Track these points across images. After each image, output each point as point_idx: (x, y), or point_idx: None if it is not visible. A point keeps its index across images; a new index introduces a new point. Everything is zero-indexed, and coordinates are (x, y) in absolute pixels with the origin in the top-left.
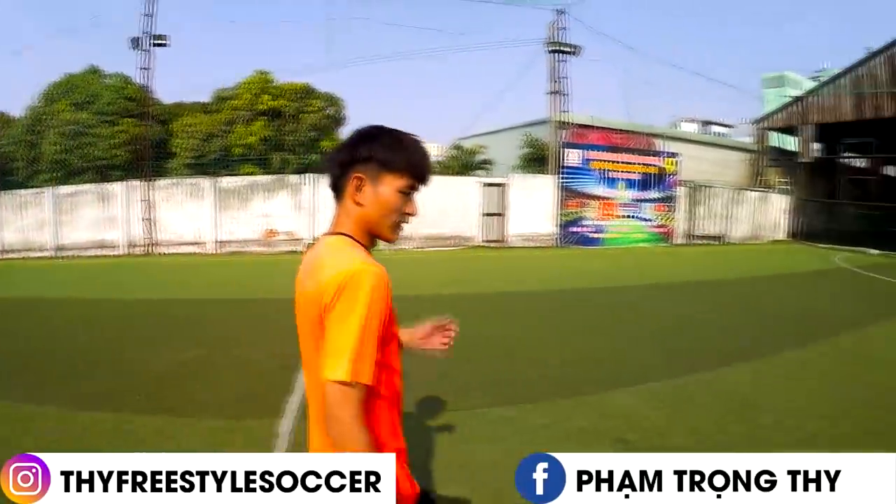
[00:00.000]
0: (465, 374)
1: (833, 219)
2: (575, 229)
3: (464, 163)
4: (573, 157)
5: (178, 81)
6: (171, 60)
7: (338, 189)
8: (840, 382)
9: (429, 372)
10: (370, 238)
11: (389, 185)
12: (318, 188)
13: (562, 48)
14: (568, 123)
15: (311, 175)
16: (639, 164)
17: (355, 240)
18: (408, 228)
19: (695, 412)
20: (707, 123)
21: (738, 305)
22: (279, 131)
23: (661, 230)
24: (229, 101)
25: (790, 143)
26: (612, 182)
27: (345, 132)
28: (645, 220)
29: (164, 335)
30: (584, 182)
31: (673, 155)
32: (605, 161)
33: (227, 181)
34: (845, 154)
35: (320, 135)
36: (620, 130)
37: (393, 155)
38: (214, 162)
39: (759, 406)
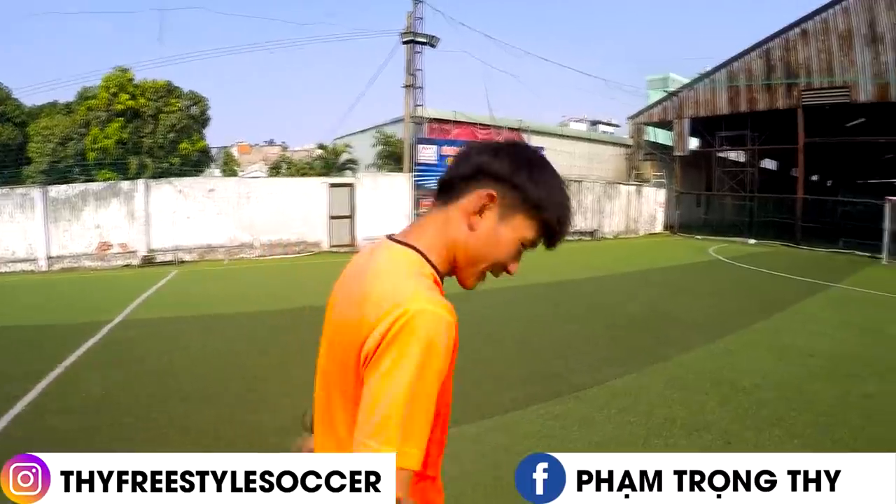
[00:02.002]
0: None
1: (710, 210)
2: None
3: (328, 163)
4: (428, 153)
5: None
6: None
7: (450, 190)
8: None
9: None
10: (449, 268)
11: (517, 229)
12: (151, 196)
13: (416, 39)
14: (424, 118)
15: (144, 181)
16: None
17: (429, 261)
18: (248, 234)
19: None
20: (595, 123)
21: (583, 308)
22: (137, 133)
23: None
24: (88, 101)
25: (668, 137)
26: None
27: (210, 133)
28: None
29: None
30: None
31: (538, 149)
32: None
33: (56, 190)
34: (721, 147)
35: (179, 136)
36: (483, 125)
37: (545, 198)
38: (67, 169)
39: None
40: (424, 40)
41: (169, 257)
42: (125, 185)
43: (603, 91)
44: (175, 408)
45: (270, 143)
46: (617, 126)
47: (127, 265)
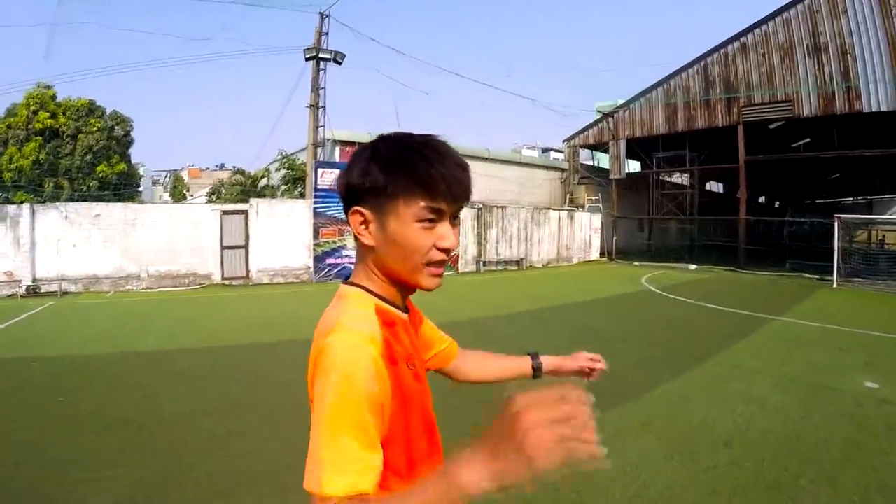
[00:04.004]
0: None
1: (652, 235)
2: (333, 261)
3: (244, 190)
4: (329, 178)
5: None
6: None
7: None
8: None
9: None
10: (397, 286)
11: (400, 217)
12: (37, 221)
13: (320, 55)
14: (329, 140)
15: (30, 206)
16: None
17: (369, 290)
18: (135, 265)
19: None
20: (547, 150)
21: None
22: (55, 153)
23: None
24: (9, 118)
25: (605, 160)
26: None
27: (136, 154)
28: None
29: None
30: (342, 206)
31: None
32: None
33: None
34: (660, 168)
35: (97, 158)
36: None
37: (393, 173)
38: None
39: None
40: (329, 56)
41: (54, 287)
42: (11, 209)
43: (556, 119)
44: None
45: (221, 167)
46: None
47: (12, 295)
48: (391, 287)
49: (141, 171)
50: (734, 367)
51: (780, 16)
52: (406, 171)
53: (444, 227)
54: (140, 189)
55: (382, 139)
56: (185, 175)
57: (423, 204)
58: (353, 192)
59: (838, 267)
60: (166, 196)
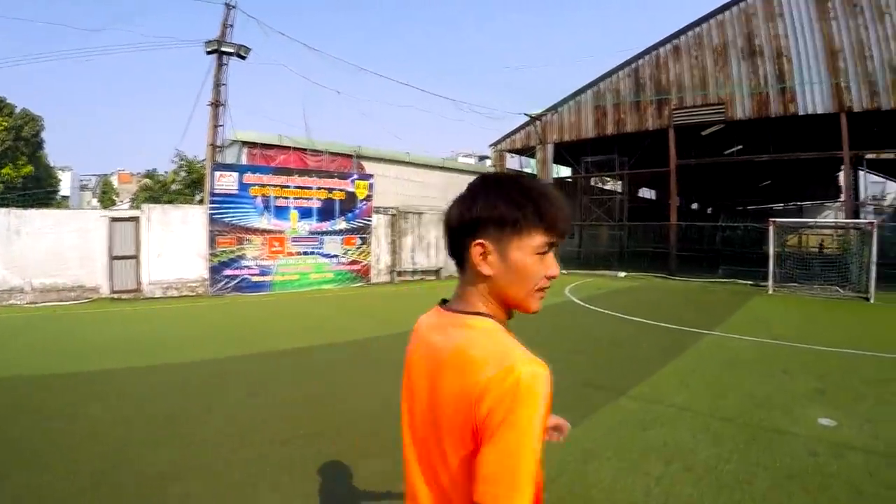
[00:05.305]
0: None
1: (580, 242)
2: (231, 272)
3: (152, 196)
4: (227, 181)
5: None
6: None
7: (458, 256)
8: None
9: None
10: (506, 311)
11: (522, 249)
12: None
13: (222, 49)
14: (237, 141)
15: None
16: (319, 188)
17: (498, 321)
18: (19, 278)
19: None
20: (483, 158)
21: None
22: None
23: (354, 267)
24: None
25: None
26: (280, 212)
27: (63, 157)
28: (329, 256)
29: None
30: (241, 212)
31: (366, 177)
32: (270, 186)
33: None
34: (588, 173)
35: (3, 160)
36: (314, 151)
37: (520, 210)
38: None
39: None
40: (232, 50)
41: None
42: None
43: (472, 120)
44: None
45: (153, 171)
46: None
47: None
48: (503, 313)
49: (61, 175)
50: (655, 402)
51: (714, 18)
52: (533, 209)
53: (551, 257)
54: (60, 194)
55: (499, 179)
56: (114, 180)
57: (541, 238)
58: (471, 224)
59: (773, 272)
60: (95, 202)
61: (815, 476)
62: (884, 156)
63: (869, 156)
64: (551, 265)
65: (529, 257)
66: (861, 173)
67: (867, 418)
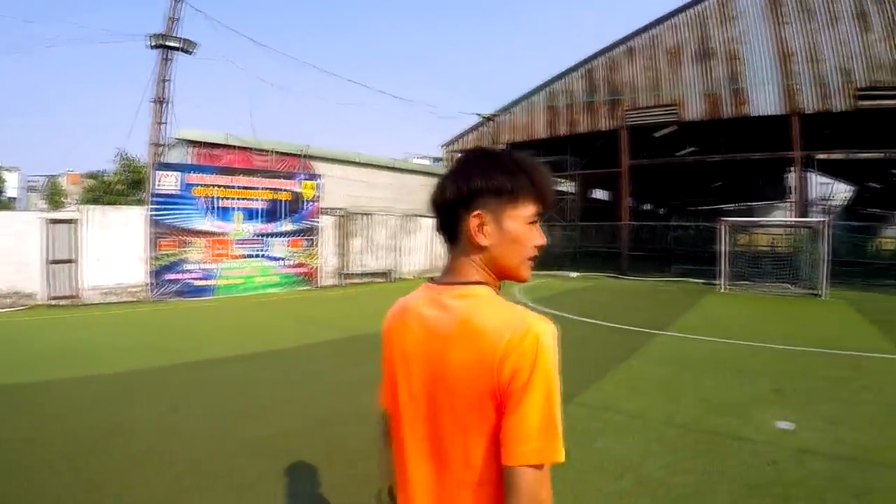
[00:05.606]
0: None
1: None
2: (173, 276)
3: (95, 197)
4: (169, 181)
5: None
6: None
7: (450, 230)
8: None
9: None
10: (500, 280)
11: (516, 218)
12: None
13: (167, 43)
14: (181, 140)
15: None
16: (264, 189)
17: (494, 289)
18: None
19: None
20: (438, 160)
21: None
22: None
23: (301, 270)
24: None
25: None
26: (224, 213)
27: (8, 157)
28: (275, 259)
29: None
30: (184, 214)
31: (313, 177)
32: (214, 186)
33: None
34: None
35: None
36: (260, 150)
37: (515, 180)
38: None
39: None
40: (177, 45)
41: None
42: None
43: (426, 120)
44: None
45: (103, 172)
46: None
47: None
48: (496, 283)
49: (7, 175)
50: (605, 410)
51: (668, 20)
52: (527, 179)
53: (538, 228)
54: (7, 195)
55: (491, 153)
56: (63, 181)
57: (533, 208)
58: (468, 196)
59: (725, 271)
60: (42, 204)
61: (776, 487)
62: (834, 156)
63: (820, 156)
64: (539, 234)
65: (522, 226)
66: (810, 174)
67: (827, 419)
